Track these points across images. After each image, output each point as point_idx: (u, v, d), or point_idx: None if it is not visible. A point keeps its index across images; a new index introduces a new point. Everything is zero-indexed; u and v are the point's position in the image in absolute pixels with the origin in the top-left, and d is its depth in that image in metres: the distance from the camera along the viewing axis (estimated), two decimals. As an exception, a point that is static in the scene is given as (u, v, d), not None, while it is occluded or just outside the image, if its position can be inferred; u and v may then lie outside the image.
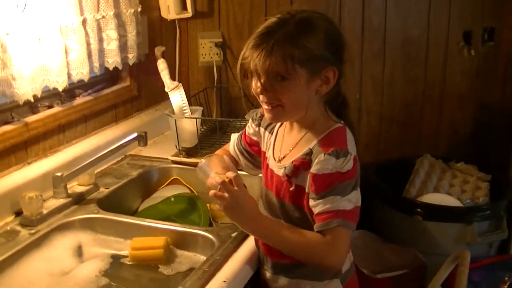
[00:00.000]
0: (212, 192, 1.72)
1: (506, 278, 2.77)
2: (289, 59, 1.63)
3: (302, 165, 1.74)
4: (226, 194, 1.70)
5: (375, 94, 3.23)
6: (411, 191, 3.02)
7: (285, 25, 1.68)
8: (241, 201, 1.72)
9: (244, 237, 1.98)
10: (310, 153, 1.74)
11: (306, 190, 1.74)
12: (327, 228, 1.67)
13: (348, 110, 1.84)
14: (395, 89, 3.22)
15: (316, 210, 1.69)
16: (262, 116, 1.98)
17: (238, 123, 2.98)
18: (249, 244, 1.96)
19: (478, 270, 2.79)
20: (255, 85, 1.71)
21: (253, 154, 2.05)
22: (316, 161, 1.69)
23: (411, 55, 3.17)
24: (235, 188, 1.71)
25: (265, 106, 1.74)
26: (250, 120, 2.04)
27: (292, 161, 1.77)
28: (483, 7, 3.06)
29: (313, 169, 1.69)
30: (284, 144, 1.87)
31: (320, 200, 1.67)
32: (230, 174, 1.74)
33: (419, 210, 2.85)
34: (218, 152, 2.14)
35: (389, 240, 2.94)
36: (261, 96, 1.72)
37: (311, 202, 1.71)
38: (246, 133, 2.06)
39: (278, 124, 1.93)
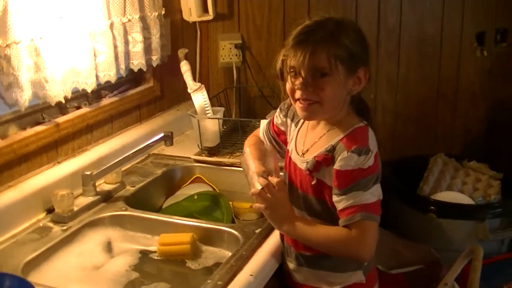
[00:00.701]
0: (255, 190, 1.81)
1: (518, 274, 2.83)
2: (332, 56, 1.70)
3: (325, 161, 1.79)
4: (269, 196, 1.79)
5: (390, 93, 3.28)
6: (425, 189, 3.06)
7: (324, 25, 1.75)
8: (281, 205, 1.81)
9: (268, 233, 2.05)
10: (332, 149, 1.79)
11: (329, 184, 1.79)
12: (352, 222, 1.73)
13: (370, 113, 1.89)
14: (410, 88, 3.26)
15: (340, 206, 1.75)
16: (289, 106, 2.03)
17: (258, 123, 3.00)
18: (273, 240, 2.02)
19: (490, 266, 2.83)
20: (294, 82, 1.77)
21: (280, 143, 2.11)
22: (339, 158, 1.74)
23: (425, 55, 3.20)
24: (278, 192, 1.79)
25: (300, 104, 1.79)
26: (278, 110, 2.09)
27: (315, 157, 1.82)
28: (496, 8, 3.08)
29: (336, 165, 1.75)
30: (308, 139, 1.92)
31: (343, 196, 1.73)
32: (275, 180, 1.81)
33: (432, 207, 2.89)
34: (251, 136, 2.23)
35: (404, 236, 2.96)
36: (298, 93, 1.77)
37: (335, 198, 1.76)
38: (274, 122, 2.12)
39: (302, 119, 1.98)
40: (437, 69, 3.22)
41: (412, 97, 3.28)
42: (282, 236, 2.00)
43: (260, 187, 1.80)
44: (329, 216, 1.82)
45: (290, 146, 1.99)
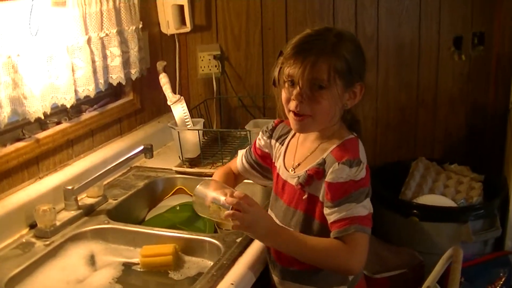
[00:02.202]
0: (227, 213, 1.71)
1: (501, 274, 2.83)
2: (332, 69, 1.71)
3: (316, 175, 1.78)
4: (241, 215, 1.70)
5: (370, 101, 3.30)
6: (407, 193, 3.08)
7: (325, 36, 1.76)
8: (258, 218, 1.74)
9: (248, 243, 2.05)
10: (323, 163, 1.78)
11: (320, 199, 1.78)
12: (345, 234, 1.70)
13: (360, 126, 1.89)
14: (390, 95, 3.28)
15: (332, 218, 1.73)
16: (273, 128, 2.04)
17: (238, 133, 3.06)
18: (254, 249, 2.02)
19: (474, 267, 2.84)
20: (290, 92, 1.76)
21: (263, 165, 2.09)
22: (330, 170, 1.74)
23: (403, 62, 3.23)
24: (251, 207, 1.71)
25: (293, 116, 1.78)
26: (261, 133, 2.08)
27: (306, 171, 1.81)
28: (472, 13, 3.11)
29: (328, 178, 1.74)
30: (298, 154, 1.91)
31: (336, 208, 1.71)
32: (239, 194, 1.73)
33: (415, 211, 2.91)
34: (220, 170, 2.19)
35: (387, 241, 2.98)
36: (293, 104, 1.76)
37: (326, 211, 1.75)
38: (257, 146, 2.09)
39: (290, 135, 1.98)
40: (415, 75, 3.24)
41: (392, 104, 3.30)
42: (268, 249, 1.98)
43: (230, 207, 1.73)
44: (319, 233, 1.80)
45: (278, 164, 1.98)
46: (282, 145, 1.99)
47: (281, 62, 1.80)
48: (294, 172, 1.88)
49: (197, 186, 1.84)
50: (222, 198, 1.75)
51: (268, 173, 2.09)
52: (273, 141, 2.03)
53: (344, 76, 1.74)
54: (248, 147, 2.16)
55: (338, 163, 1.73)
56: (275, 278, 1.97)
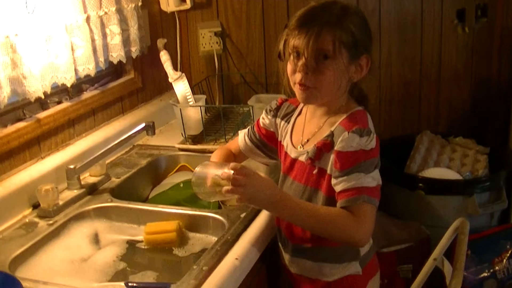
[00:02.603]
0: (225, 189, 1.69)
1: (508, 246, 2.84)
2: (337, 40, 1.70)
3: (324, 147, 1.77)
4: (240, 188, 1.68)
5: (373, 76, 3.25)
6: (412, 167, 3.07)
7: (330, 8, 1.75)
8: (259, 187, 1.70)
9: (253, 217, 2.04)
10: (331, 134, 1.77)
11: (328, 171, 1.76)
12: (353, 204, 1.69)
13: (368, 101, 1.88)
14: (393, 70, 3.26)
15: (339, 188, 1.71)
16: (278, 107, 2.02)
17: (241, 109, 3.04)
18: (258, 223, 2.01)
19: (481, 240, 2.85)
20: (296, 64, 1.75)
21: (268, 145, 2.08)
22: (340, 139, 1.72)
23: (406, 36, 3.20)
24: (245, 178, 1.68)
25: (299, 87, 1.77)
26: (264, 112, 2.07)
27: (315, 144, 1.80)
28: (475, -16, 3.11)
29: (337, 146, 1.72)
30: (305, 131, 1.90)
31: (345, 177, 1.69)
32: (235, 166, 1.70)
33: (421, 185, 2.91)
34: (218, 151, 2.15)
35: (394, 215, 2.98)
36: (299, 75, 1.75)
37: (334, 181, 1.73)
38: (262, 125, 2.08)
39: (296, 113, 1.97)
40: (419, 49, 3.22)
41: (395, 79, 3.28)
42: (279, 227, 1.97)
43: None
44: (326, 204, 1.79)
45: (285, 142, 1.96)
46: (288, 123, 1.98)
47: (285, 34, 1.79)
48: (303, 149, 1.87)
49: (196, 169, 1.82)
50: (225, 170, 1.72)
51: (273, 152, 2.08)
52: (278, 120, 2.02)
53: (350, 48, 1.73)
54: (250, 126, 2.15)
55: (348, 132, 1.71)
56: (286, 256, 1.96)
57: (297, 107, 1.99)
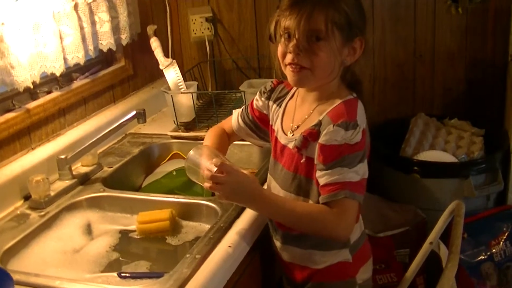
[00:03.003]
0: (206, 185, 1.73)
1: (505, 228, 2.83)
2: (330, 20, 1.67)
3: (311, 136, 1.74)
4: (219, 186, 1.71)
5: (366, 57, 3.24)
6: (407, 150, 3.05)
7: None
8: (238, 185, 1.73)
9: (246, 204, 2.04)
10: (319, 123, 1.74)
11: (315, 161, 1.74)
12: (334, 199, 1.68)
13: (361, 86, 1.85)
14: (386, 51, 3.24)
15: (322, 181, 1.70)
16: (272, 89, 2.00)
17: (233, 95, 3.01)
18: (251, 210, 1.97)
19: (477, 222, 2.84)
20: (287, 45, 1.72)
21: (261, 127, 2.06)
22: (324, 131, 1.70)
23: (399, 17, 3.18)
24: (225, 176, 1.70)
25: (291, 69, 1.74)
26: (258, 93, 2.04)
27: (302, 133, 1.78)
28: (468, -37, 3.08)
29: (321, 139, 1.70)
30: (296, 116, 1.88)
31: (328, 171, 1.68)
32: (216, 162, 1.73)
33: (416, 168, 2.89)
34: (212, 131, 2.14)
35: (390, 199, 2.98)
36: (290, 57, 1.72)
37: (318, 173, 1.72)
38: (255, 106, 2.05)
39: (288, 97, 1.95)
40: (412, 30, 3.20)
41: (389, 60, 3.27)
42: None
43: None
44: (319, 195, 1.77)
45: (276, 127, 1.94)
46: (280, 107, 1.95)
47: (277, 15, 1.76)
48: (293, 135, 1.85)
49: (190, 152, 1.84)
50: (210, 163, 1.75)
51: (265, 135, 2.06)
52: (270, 103, 1.99)
53: (343, 29, 1.69)
54: (244, 107, 2.13)
55: (333, 125, 1.69)
56: (277, 243, 1.95)
57: (290, 90, 1.96)
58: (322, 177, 1.70)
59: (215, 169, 1.71)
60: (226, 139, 2.11)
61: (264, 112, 2.03)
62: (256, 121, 2.06)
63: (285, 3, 1.73)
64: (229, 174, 1.71)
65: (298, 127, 1.85)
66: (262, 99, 2.02)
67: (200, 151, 1.84)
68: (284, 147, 1.88)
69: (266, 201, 1.76)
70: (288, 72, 1.76)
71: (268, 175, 1.99)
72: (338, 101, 1.77)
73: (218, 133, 2.12)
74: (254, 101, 2.06)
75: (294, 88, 1.94)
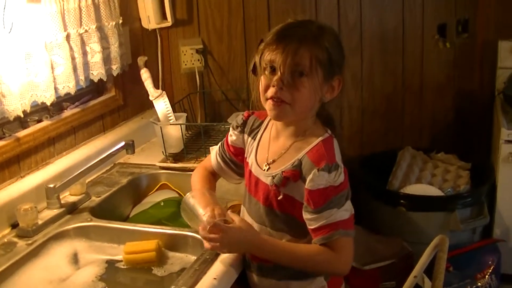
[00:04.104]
0: (205, 245, 1.80)
1: (490, 262, 2.85)
2: (314, 57, 1.69)
3: (293, 177, 1.76)
4: (216, 244, 1.77)
5: (355, 89, 3.29)
6: (394, 183, 3.08)
7: (307, 26, 1.75)
8: (235, 240, 1.78)
9: (232, 237, 2.04)
10: (299, 164, 1.76)
11: (299, 199, 1.76)
12: (330, 240, 1.71)
13: (334, 122, 1.86)
14: (375, 83, 3.28)
15: (313, 225, 1.72)
16: (244, 122, 2.00)
17: (222, 126, 3.02)
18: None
19: (464, 255, 2.85)
20: (270, 79, 1.72)
21: (237, 163, 2.05)
22: (310, 177, 1.71)
23: (388, 49, 3.23)
24: (220, 236, 1.75)
25: (271, 102, 1.74)
26: (231, 128, 2.04)
27: (282, 172, 1.79)
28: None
29: (308, 185, 1.71)
30: (271, 150, 1.88)
31: (317, 215, 1.71)
32: (208, 221, 1.76)
33: (402, 201, 2.92)
34: (197, 174, 2.14)
35: (377, 231, 2.99)
36: (272, 91, 1.72)
37: (307, 215, 1.74)
38: (230, 142, 2.05)
39: (262, 129, 1.95)
40: (400, 62, 3.25)
41: (377, 92, 3.31)
42: None
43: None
44: (296, 229, 1.81)
45: (250, 160, 1.95)
46: (254, 140, 1.96)
47: (262, 48, 1.77)
48: (268, 169, 1.86)
49: (186, 195, 1.89)
50: (204, 219, 1.79)
51: (242, 171, 2.05)
52: (245, 136, 2.00)
53: (325, 67, 1.72)
54: (220, 144, 2.12)
55: (318, 170, 1.70)
56: (253, 276, 1.95)
57: (263, 121, 1.97)
58: (312, 220, 1.73)
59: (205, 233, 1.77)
60: (212, 180, 2.12)
61: (240, 146, 2.03)
62: (233, 157, 2.06)
63: (271, 36, 1.75)
64: (224, 232, 1.75)
65: (274, 161, 1.86)
66: (236, 133, 2.02)
67: (193, 199, 1.87)
68: (258, 180, 1.89)
69: (267, 248, 1.80)
70: (268, 105, 1.77)
71: (242, 207, 2.01)
72: (315, 140, 1.79)
73: (203, 175, 2.12)
74: (229, 137, 2.06)
75: (268, 119, 1.95)
